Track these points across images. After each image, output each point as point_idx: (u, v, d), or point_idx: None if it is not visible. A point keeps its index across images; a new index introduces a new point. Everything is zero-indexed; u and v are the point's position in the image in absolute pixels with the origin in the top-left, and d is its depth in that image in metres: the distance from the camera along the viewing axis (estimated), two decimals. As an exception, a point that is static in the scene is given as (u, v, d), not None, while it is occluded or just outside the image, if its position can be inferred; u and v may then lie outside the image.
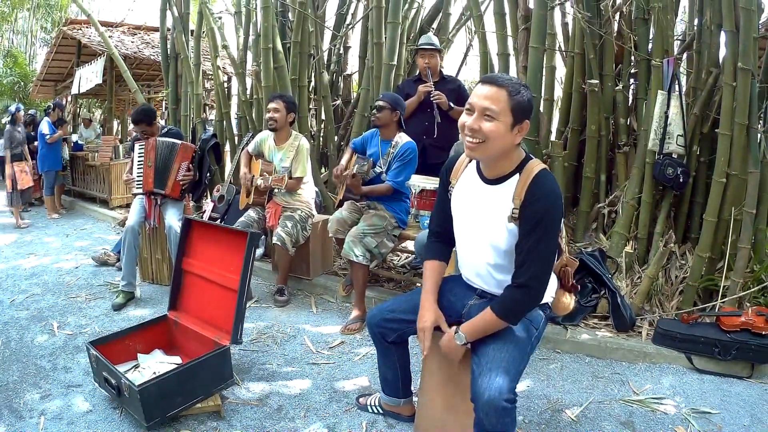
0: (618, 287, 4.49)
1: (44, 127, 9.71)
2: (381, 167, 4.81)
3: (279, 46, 6.55)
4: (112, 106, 11.47)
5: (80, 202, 11.06)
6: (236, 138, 7.70)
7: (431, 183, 4.44)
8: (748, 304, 4.30)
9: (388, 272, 5.56)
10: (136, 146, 5.49)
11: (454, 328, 2.57)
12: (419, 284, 5.06)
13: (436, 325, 2.65)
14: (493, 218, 2.45)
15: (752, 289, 4.35)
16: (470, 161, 2.64)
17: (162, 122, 12.33)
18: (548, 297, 2.67)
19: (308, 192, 5.35)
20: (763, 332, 3.81)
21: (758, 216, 4.47)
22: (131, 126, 5.62)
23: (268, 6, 6.41)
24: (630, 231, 5.01)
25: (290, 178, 5.08)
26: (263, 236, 5.59)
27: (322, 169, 7.58)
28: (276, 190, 5.06)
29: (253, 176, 5.12)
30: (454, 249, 2.87)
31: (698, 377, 3.86)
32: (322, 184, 6.71)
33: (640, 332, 4.31)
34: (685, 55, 5.42)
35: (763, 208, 4.56)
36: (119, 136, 12.92)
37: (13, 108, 9.75)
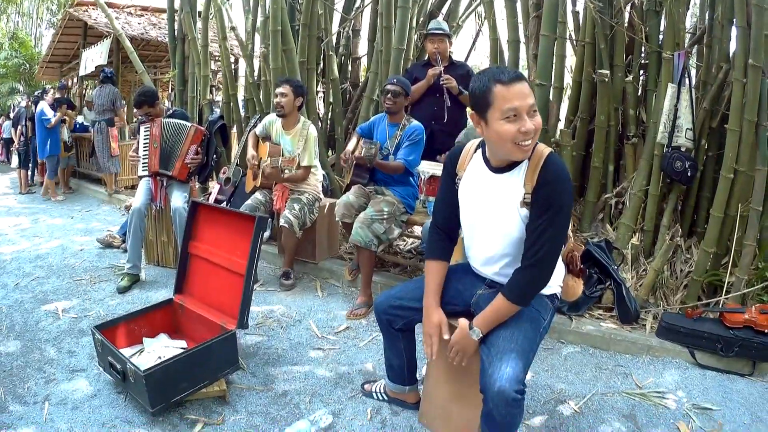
0: (623, 279, 4.48)
1: (47, 110, 9.70)
2: (388, 149, 4.80)
3: (288, 29, 6.50)
4: (118, 87, 11.39)
5: (86, 183, 11.10)
6: (243, 120, 7.65)
7: (440, 168, 4.40)
8: (752, 302, 4.28)
9: (395, 257, 5.56)
10: (142, 128, 5.49)
11: (465, 322, 2.54)
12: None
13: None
14: (505, 206, 2.42)
15: (756, 287, 4.32)
16: (476, 151, 2.62)
17: (168, 104, 12.34)
18: (556, 287, 2.66)
19: (316, 175, 5.35)
20: (766, 330, 3.81)
21: (764, 213, 4.42)
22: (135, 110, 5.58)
23: None
24: (636, 223, 4.99)
25: (298, 167, 5.07)
26: (270, 219, 5.56)
27: (330, 152, 7.56)
28: (288, 172, 5.00)
29: (261, 159, 5.09)
30: (460, 236, 2.84)
31: (700, 372, 3.86)
32: (329, 168, 6.68)
33: (644, 325, 4.31)
34: (695, 49, 5.37)
35: (770, 205, 4.54)
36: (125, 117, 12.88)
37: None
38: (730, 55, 4.73)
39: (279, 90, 5.05)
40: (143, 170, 5.46)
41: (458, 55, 7.20)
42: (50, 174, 10.07)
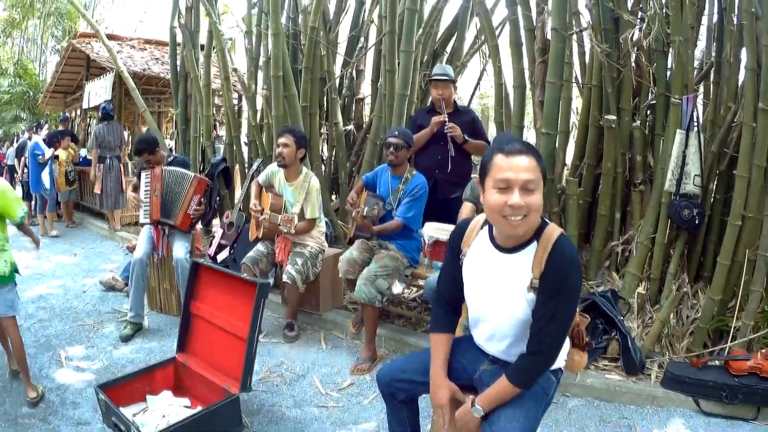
0: (629, 329, 4.44)
1: (41, 143, 9.73)
2: (391, 204, 4.75)
3: (290, 74, 6.44)
4: (122, 123, 11.37)
5: (88, 217, 11.11)
6: (246, 162, 7.63)
7: (444, 233, 4.34)
8: (758, 346, 4.24)
9: (399, 308, 5.46)
10: (143, 175, 5.45)
11: (470, 399, 2.48)
12: (428, 322, 5.02)
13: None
14: (511, 289, 2.36)
15: (762, 331, 4.28)
16: (482, 227, 2.56)
17: (171, 143, 12.32)
18: (561, 361, 2.60)
19: (319, 227, 5.29)
20: None
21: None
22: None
23: (279, 33, 6.27)
24: (643, 271, 4.93)
25: (301, 219, 5.02)
26: (273, 268, 5.49)
27: (333, 196, 7.50)
28: (285, 231, 4.94)
29: (263, 209, 5.04)
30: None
31: (705, 420, 3.85)
32: (333, 213, 6.64)
33: (650, 374, 4.27)
34: (702, 86, 5.34)
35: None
36: (129, 149, 12.84)
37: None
38: (738, 93, 4.70)
39: (281, 140, 4.98)
40: (144, 218, 5.41)
41: (462, 91, 7.19)
42: (40, 208, 10.06)
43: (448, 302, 2.74)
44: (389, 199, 4.77)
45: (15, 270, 4.02)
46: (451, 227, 4.24)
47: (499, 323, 2.48)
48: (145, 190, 5.38)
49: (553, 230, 2.33)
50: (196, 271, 3.96)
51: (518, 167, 2.20)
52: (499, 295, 2.43)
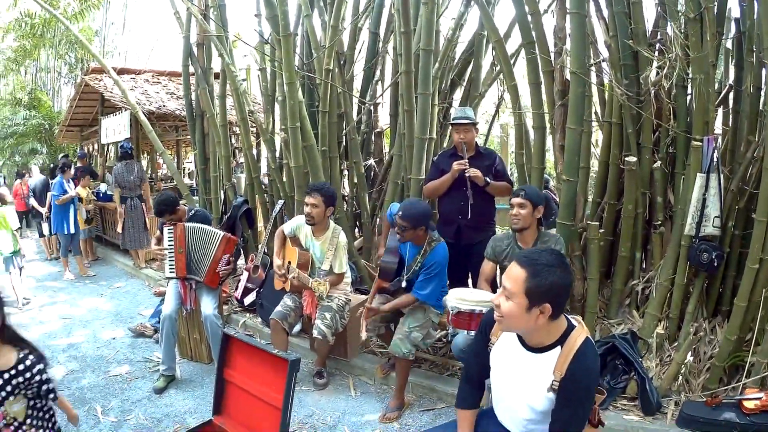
0: (647, 369, 4.55)
1: (65, 184, 9.70)
2: (404, 276, 4.76)
3: (307, 123, 6.41)
4: (140, 162, 11.29)
5: (111, 253, 11.20)
6: (268, 203, 7.71)
7: (467, 304, 4.34)
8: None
9: (425, 353, 5.44)
10: (165, 230, 5.48)
11: None
12: (455, 366, 5.14)
13: None
14: (533, 386, 2.50)
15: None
16: None
17: (192, 182, 12.33)
18: None
19: (345, 279, 5.33)
20: None
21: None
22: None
23: (293, 82, 6.20)
24: (662, 311, 4.96)
25: (329, 273, 5.08)
26: (301, 316, 5.52)
27: (356, 233, 7.51)
28: (318, 294, 4.93)
29: (289, 266, 5.06)
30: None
31: None
32: (356, 254, 6.64)
33: (666, 413, 4.35)
34: (720, 111, 5.34)
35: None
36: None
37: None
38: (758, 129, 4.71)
39: (309, 200, 4.98)
40: (171, 272, 5.46)
41: (479, 117, 7.17)
42: (63, 251, 9.99)
43: (474, 380, 2.89)
44: (403, 272, 4.78)
45: None
46: (472, 296, 4.32)
47: (520, 409, 2.60)
48: (170, 245, 5.42)
49: (578, 336, 2.45)
50: (227, 342, 4.00)
51: (509, 272, 2.44)
52: (522, 389, 2.56)
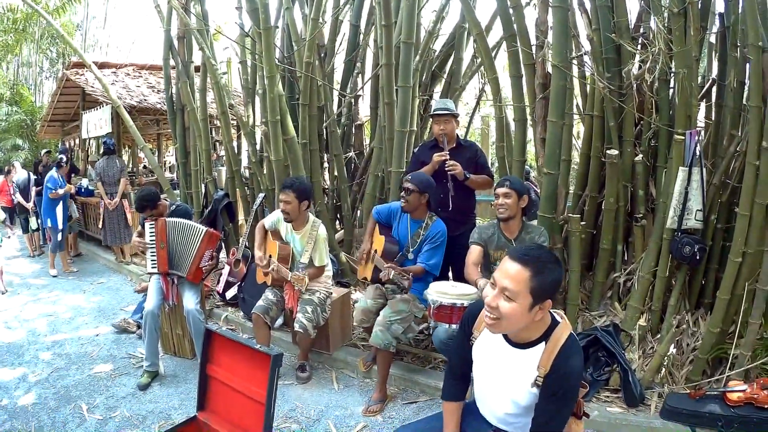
0: (630, 361, 4.56)
1: (55, 177, 9.58)
2: (410, 249, 4.82)
3: (287, 117, 6.41)
4: (122, 158, 11.19)
5: (94, 248, 11.12)
6: (249, 196, 7.68)
7: (447, 297, 4.35)
8: (756, 372, 4.34)
9: (408, 346, 5.43)
10: (147, 225, 5.46)
11: None
12: (437, 359, 5.15)
13: None
14: (517, 381, 2.48)
15: (760, 361, 4.35)
16: None
17: (172, 176, 12.26)
18: None
19: (326, 272, 5.32)
20: (766, 406, 3.86)
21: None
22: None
23: (273, 75, 6.19)
24: (644, 303, 4.97)
25: (309, 266, 5.08)
26: (283, 310, 5.52)
27: (337, 225, 7.50)
28: (297, 288, 4.97)
29: (269, 259, 5.06)
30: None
31: None
32: (337, 247, 6.63)
33: (649, 405, 4.36)
34: (703, 105, 5.34)
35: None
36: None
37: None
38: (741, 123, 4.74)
39: (282, 197, 4.99)
40: (152, 268, 5.44)
41: (461, 109, 7.17)
42: (53, 246, 9.79)
43: (458, 374, 2.87)
44: (407, 243, 4.84)
45: None
46: (453, 290, 4.36)
47: (502, 404, 2.59)
48: (151, 240, 5.40)
49: (562, 333, 2.44)
50: (210, 338, 3.99)
51: (506, 272, 2.33)
52: (505, 384, 2.54)
